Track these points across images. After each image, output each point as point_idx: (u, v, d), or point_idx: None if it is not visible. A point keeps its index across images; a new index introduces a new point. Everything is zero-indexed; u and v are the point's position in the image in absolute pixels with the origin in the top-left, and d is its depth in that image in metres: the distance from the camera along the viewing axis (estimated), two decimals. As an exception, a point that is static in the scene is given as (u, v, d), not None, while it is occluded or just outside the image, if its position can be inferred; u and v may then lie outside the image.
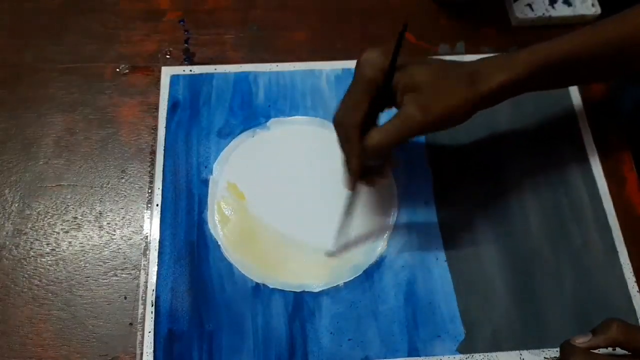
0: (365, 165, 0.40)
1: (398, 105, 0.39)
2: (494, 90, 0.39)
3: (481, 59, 0.40)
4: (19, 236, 0.46)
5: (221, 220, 0.46)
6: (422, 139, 0.50)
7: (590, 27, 0.41)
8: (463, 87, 0.38)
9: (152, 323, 0.42)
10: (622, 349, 0.36)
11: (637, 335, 0.35)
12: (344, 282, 0.44)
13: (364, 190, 0.47)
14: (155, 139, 0.49)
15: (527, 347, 0.43)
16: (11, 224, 0.46)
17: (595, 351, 0.36)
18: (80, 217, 0.47)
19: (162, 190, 0.47)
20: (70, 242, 0.46)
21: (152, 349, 0.42)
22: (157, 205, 0.46)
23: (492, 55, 0.41)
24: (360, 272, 0.45)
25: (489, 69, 0.39)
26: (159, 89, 0.51)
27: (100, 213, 0.47)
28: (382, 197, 0.48)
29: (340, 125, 0.40)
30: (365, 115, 0.39)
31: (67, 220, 0.46)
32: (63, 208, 0.47)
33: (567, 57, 0.40)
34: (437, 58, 0.41)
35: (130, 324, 0.43)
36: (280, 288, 0.44)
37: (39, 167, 0.48)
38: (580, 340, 0.36)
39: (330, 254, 0.45)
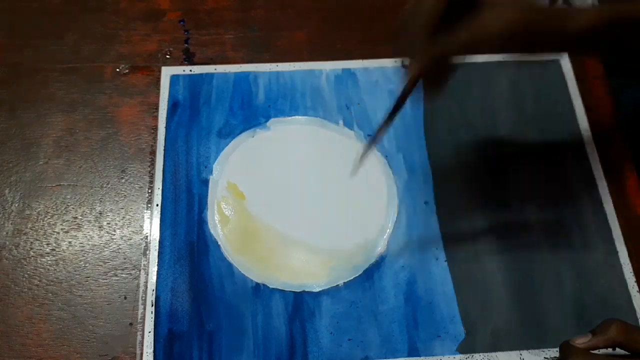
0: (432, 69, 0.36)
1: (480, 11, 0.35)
2: (582, 31, 0.35)
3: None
4: (19, 236, 0.46)
5: (221, 220, 0.46)
6: (422, 137, 0.50)
7: None
8: (554, 17, 0.34)
9: (152, 323, 0.42)
10: (621, 349, 0.36)
11: (636, 335, 0.35)
12: (344, 282, 0.44)
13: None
14: (155, 139, 0.49)
15: (527, 347, 0.43)
16: (11, 224, 0.46)
17: (595, 351, 0.36)
18: (80, 217, 0.47)
19: (162, 190, 0.47)
20: (70, 242, 0.46)
21: (152, 349, 0.42)
22: (157, 205, 0.46)
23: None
24: (360, 272, 0.45)
25: (576, 13, 0.35)
26: (159, 89, 0.51)
27: (100, 213, 0.47)
28: (382, 196, 0.48)
29: (415, 19, 0.35)
30: (443, 11, 0.34)
31: (67, 220, 0.46)
32: (63, 208, 0.47)
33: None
34: None
35: (130, 324, 0.43)
36: (280, 288, 0.44)
37: (39, 167, 0.48)
38: (580, 341, 0.36)
39: (355, 168, 0.43)
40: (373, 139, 0.40)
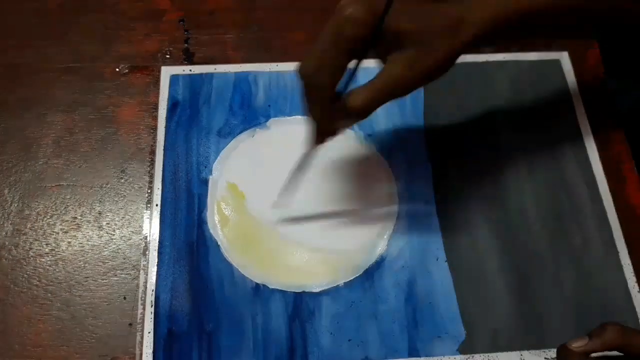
0: (336, 126, 0.39)
1: (380, 57, 0.37)
2: (479, 36, 0.37)
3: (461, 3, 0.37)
4: (18, 236, 0.46)
5: (221, 221, 0.46)
6: (422, 137, 0.50)
7: None
8: (447, 38, 0.36)
9: (152, 323, 0.42)
10: (618, 352, 0.36)
11: (633, 339, 0.35)
12: (344, 282, 0.44)
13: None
14: (154, 139, 0.49)
15: (527, 347, 0.43)
16: (10, 224, 0.46)
17: (593, 354, 0.36)
18: (79, 217, 0.46)
19: (162, 190, 0.47)
20: (69, 242, 0.45)
21: (152, 349, 0.42)
22: (157, 205, 0.46)
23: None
24: (360, 272, 0.45)
25: (473, 12, 0.36)
26: (158, 89, 0.51)
27: (100, 213, 0.47)
28: (382, 196, 0.48)
29: (311, 84, 0.36)
30: (341, 75, 0.36)
31: (67, 221, 0.46)
32: (62, 208, 0.47)
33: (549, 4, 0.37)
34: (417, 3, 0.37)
35: (130, 324, 0.43)
36: (280, 288, 0.44)
37: (39, 167, 0.48)
38: (577, 344, 0.36)
39: (276, 206, 0.46)
40: (290, 180, 0.44)
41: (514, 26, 0.38)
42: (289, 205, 0.46)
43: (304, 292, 0.44)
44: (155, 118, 0.50)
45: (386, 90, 0.36)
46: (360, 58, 0.36)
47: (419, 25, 0.35)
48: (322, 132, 0.39)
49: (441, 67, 0.37)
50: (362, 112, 0.37)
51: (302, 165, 0.43)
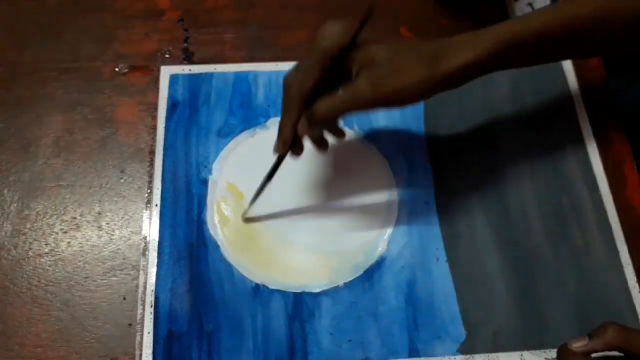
0: (308, 134, 0.41)
1: (353, 78, 0.38)
2: (454, 71, 0.38)
3: (449, 37, 0.39)
4: (17, 236, 0.46)
5: (221, 221, 0.46)
6: (422, 136, 0.50)
7: (559, 3, 0.40)
8: (422, 65, 0.37)
9: (152, 324, 0.42)
10: (619, 352, 0.36)
11: (633, 339, 0.35)
12: (344, 283, 0.44)
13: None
14: (154, 139, 0.49)
15: (528, 347, 0.43)
16: (10, 224, 0.46)
17: (593, 355, 0.36)
18: (79, 217, 0.46)
19: (162, 190, 0.47)
20: (69, 243, 0.45)
21: (152, 349, 0.42)
22: (156, 205, 0.46)
23: (459, 34, 0.40)
24: (360, 273, 0.45)
25: (451, 48, 0.38)
26: (158, 89, 0.51)
27: (99, 213, 0.47)
28: (382, 197, 0.47)
29: (287, 89, 0.39)
30: (315, 86, 0.38)
31: (66, 221, 0.46)
32: (62, 208, 0.47)
33: (529, 36, 0.39)
34: (399, 36, 0.40)
35: (130, 324, 0.43)
36: (280, 288, 0.44)
37: (38, 167, 0.48)
38: (577, 345, 0.36)
39: (244, 215, 0.46)
40: (257, 193, 0.45)
41: (502, 61, 0.39)
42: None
43: (304, 292, 0.44)
44: (154, 118, 0.50)
45: (347, 103, 0.38)
46: (334, 75, 0.38)
47: (394, 51, 0.37)
48: (287, 140, 0.41)
49: (408, 94, 0.38)
50: (323, 120, 0.39)
51: (270, 173, 0.43)
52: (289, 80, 0.39)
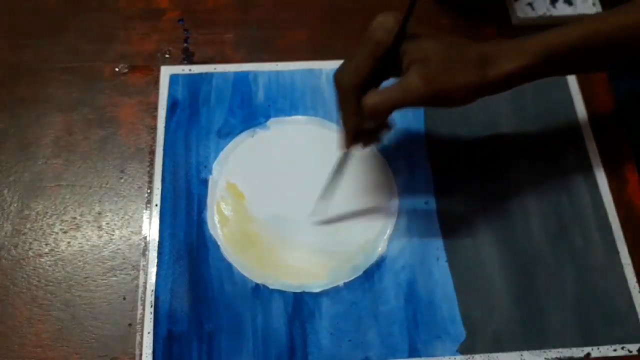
0: (361, 127, 0.41)
1: (403, 74, 0.39)
2: (501, 78, 0.38)
3: (493, 42, 0.40)
4: (17, 236, 0.46)
5: (221, 221, 0.46)
6: (422, 136, 0.50)
7: (602, 13, 0.41)
8: (472, 69, 0.38)
9: (152, 324, 0.42)
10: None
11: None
12: (344, 283, 0.44)
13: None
14: (154, 139, 0.49)
15: (527, 347, 0.43)
16: (10, 224, 0.46)
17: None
18: (79, 218, 0.46)
19: (161, 190, 0.47)
20: (69, 243, 0.45)
21: (152, 349, 0.42)
22: (156, 205, 0.46)
23: (502, 40, 0.40)
24: (360, 273, 0.45)
25: (498, 55, 0.38)
26: (158, 89, 0.51)
27: (99, 213, 0.47)
28: (382, 196, 0.47)
29: (340, 83, 0.39)
30: (367, 76, 0.38)
31: (66, 221, 0.46)
32: (62, 208, 0.47)
33: (577, 45, 0.39)
34: (449, 34, 0.40)
35: (130, 324, 0.43)
36: (280, 288, 0.44)
37: (38, 167, 0.48)
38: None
39: (313, 214, 0.45)
40: (326, 191, 0.45)
41: (546, 69, 0.40)
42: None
43: (304, 292, 0.44)
44: (154, 118, 0.50)
45: (399, 97, 0.38)
46: (387, 66, 0.38)
47: (444, 50, 0.38)
48: (350, 135, 0.41)
49: (457, 95, 0.38)
50: (373, 113, 0.38)
51: (338, 170, 0.43)
52: (341, 74, 0.39)
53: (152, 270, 0.44)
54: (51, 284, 0.44)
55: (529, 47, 0.39)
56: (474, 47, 0.39)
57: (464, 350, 0.42)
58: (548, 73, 0.41)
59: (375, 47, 0.38)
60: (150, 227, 0.46)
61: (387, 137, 0.46)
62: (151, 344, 0.42)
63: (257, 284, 0.44)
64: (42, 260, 0.45)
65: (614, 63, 0.44)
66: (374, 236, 0.46)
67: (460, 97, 0.38)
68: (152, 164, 0.48)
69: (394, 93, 0.38)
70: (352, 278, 0.44)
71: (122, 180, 0.48)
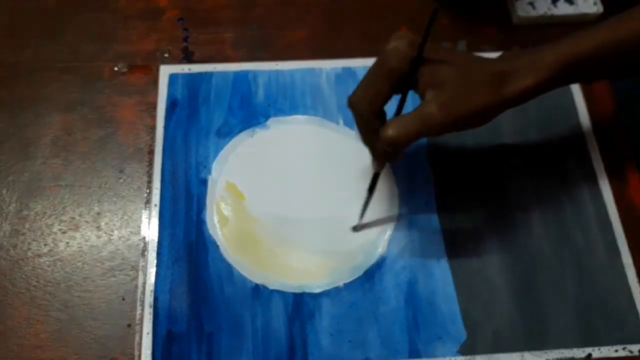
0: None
1: (419, 93, 0.38)
2: (518, 94, 0.38)
3: (506, 56, 0.39)
4: (16, 236, 0.45)
5: (220, 221, 0.46)
6: (423, 139, 0.50)
7: (612, 20, 0.40)
8: (488, 89, 0.37)
9: (151, 324, 0.42)
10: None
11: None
12: (344, 283, 0.44)
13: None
14: (153, 139, 0.49)
15: (528, 348, 0.42)
16: (9, 224, 0.46)
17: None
18: (78, 218, 0.46)
19: (161, 190, 0.47)
20: (68, 243, 0.45)
21: (151, 350, 0.41)
22: (156, 205, 0.46)
23: (516, 52, 0.40)
24: (360, 273, 0.44)
25: (514, 72, 0.38)
26: (157, 88, 0.51)
27: (98, 213, 0.46)
28: (382, 197, 0.47)
29: (359, 110, 0.39)
30: (385, 101, 0.39)
31: (65, 221, 0.46)
32: (61, 208, 0.47)
33: (592, 55, 0.39)
34: (463, 52, 0.40)
35: (129, 325, 0.42)
36: (279, 289, 0.44)
37: (37, 167, 0.48)
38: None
39: (356, 229, 0.46)
40: (363, 210, 0.45)
41: (562, 81, 0.40)
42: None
43: (303, 292, 0.44)
44: (154, 117, 0.50)
45: (418, 129, 0.37)
46: (404, 91, 0.38)
47: (460, 73, 0.37)
48: (381, 157, 0.41)
49: (477, 117, 0.38)
50: (392, 146, 0.38)
51: (371, 187, 0.44)
52: (356, 100, 0.39)
53: (152, 270, 0.44)
54: (50, 284, 0.44)
55: (544, 61, 0.38)
56: (488, 64, 0.39)
57: (464, 351, 0.42)
58: (563, 84, 0.41)
59: (390, 74, 0.37)
60: (150, 228, 0.45)
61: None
62: (150, 345, 0.42)
63: (256, 284, 0.44)
64: (41, 260, 0.45)
65: (623, 70, 0.43)
66: (374, 236, 0.46)
67: (478, 119, 0.38)
68: (151, 164, 0.48)
69: (412, 125, 0.37)
70: (352, 278, 0.44)
71: (121, 180, 0.48)
